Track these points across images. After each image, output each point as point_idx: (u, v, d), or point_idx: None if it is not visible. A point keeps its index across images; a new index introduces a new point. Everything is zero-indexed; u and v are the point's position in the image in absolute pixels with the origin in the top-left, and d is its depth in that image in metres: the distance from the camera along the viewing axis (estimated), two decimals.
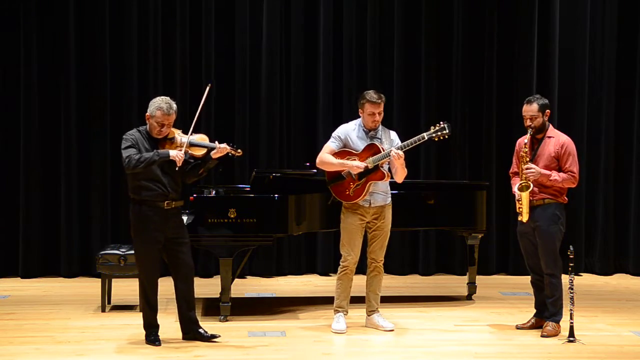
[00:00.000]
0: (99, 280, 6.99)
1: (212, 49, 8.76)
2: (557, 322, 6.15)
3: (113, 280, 7.05)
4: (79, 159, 8.63)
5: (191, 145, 5.78)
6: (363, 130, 6.25)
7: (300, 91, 8.97)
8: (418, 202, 7.25)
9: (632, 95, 9.22)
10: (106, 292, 6.92)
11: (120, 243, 7.49)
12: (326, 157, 6.23)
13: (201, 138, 5.92)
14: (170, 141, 5.79)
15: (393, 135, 6.32)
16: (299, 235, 7.94)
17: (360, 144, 6.20)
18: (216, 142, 5.86)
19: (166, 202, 5.73)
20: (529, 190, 6.05)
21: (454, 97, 9.06)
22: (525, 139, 6.16)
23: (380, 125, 6.27)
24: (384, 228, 6.28)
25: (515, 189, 6.16)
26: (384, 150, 6.12)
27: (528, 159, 6.12)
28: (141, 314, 5.93)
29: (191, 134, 5.80)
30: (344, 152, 6.24)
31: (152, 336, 5.84)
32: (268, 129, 8.83)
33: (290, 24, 8.93)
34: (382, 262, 6.36)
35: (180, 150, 5.69)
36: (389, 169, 6.24)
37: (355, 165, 6.11)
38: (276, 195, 6.59)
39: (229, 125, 8.76)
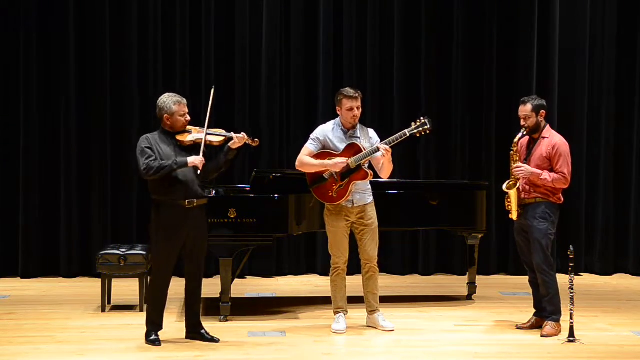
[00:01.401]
0: (99, 280, 6.98)
1: (212, 49, 8.75)
2: (557, 321, 6.16)
3: (113, 280, 7.04)
4: (79, 159, 8.63)
5: (208, 134, 5.82)
6: (341, 129, 6.23)
7: (300, 91, 8.97)
8: (418, 202, 7.24)
9: (632, 95, 9.22)
10: (106, 292, 6.92)
11: (120, 243, 7.49)
12: (306, 159, 6.19)
13: (217, 130, 5.95)
14: (187, 134, 5.82)
15: (372, 133, 6.29)
16: (299, 235, 7.93)
17: (339, 145, 6.17)
18: (232, 132, 5.89)
19: (187, 200, 5.72)
20: (516, 187, 6.12)
21: (454, 97, 9.06)
22: (517, 138, 6.23)
23: (358, 124, 6.25)
24: (371, 226, 6.24)
25: (503, 187, 6.20)
26: (364, 149, 6.10)
27: (518, 158, 6.20)
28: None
29: (207, 128, 5.83)
30: (323, 153, 6.20)
31: (153, 336, 5.83)
32: (268, 129, 8.83)
33: (290, 24, 8.92)
34: (376, 261, 6.33)
35: (199, 147, 5.69)
36: (369, 167, 6.22)
37: (338, 162, 6.08)
38: (276, 195, 6.58)
39: (229, 125, 8.70)
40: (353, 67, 8.97)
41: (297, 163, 6.24)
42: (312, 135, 6.30)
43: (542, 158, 6.16)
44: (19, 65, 8.55)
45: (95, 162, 8.66)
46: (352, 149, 6.12)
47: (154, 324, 5.85)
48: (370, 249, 6.27)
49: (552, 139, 6.21)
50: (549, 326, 6.13)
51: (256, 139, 5.97)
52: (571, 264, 5.98)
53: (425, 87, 9.03)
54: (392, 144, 6.06)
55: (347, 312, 6.36)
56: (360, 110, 6.19)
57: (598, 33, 9.17)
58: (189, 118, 5.85)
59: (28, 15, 8.52)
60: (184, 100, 5.84)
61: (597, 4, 9.15)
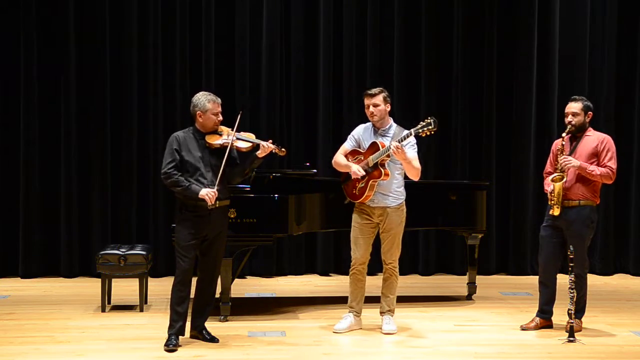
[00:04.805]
0: (99, 280, 6.98)
1: (212, 49, 8.75)
2: (579, 318, 6.25)
3: (113, 280, 7.04)
4: (79, 158, 8.63)
5: (237, 139, 5.86)
6: (373, 128, 6.25)
7: (300, 91, 8.97)
8: (418, 202, 7.21)
9: (632, 95, 9.22)
10: (106, 292, 6.91)
11: (120, 243, 7.49)
12: (337, 158, 6.28)
13: (248, 135, 5.99)
14: (218, 136, 5.86)
15: (405, 133, 6.19)
16: (299, 235, 7.93)
17: (368, 143, 6.21)
18: (261, 141, 5.90)
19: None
20: (562, 181, 6.08)
21: (453, 97, 9.06)
22: (562, 136, 6.20)
23: (395, 124, 6.24)
24: (390, 231, 6.21)
25: (549, 179, 6.18)
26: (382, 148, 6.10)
27: (564, 152, 6.17)
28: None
29: (236, 131, 5.87)
30: (354, 151, 6.27)
31: (171, 344, 5.70)
32: (268, 129, 8.83)
33: (290, 24, 8.93)
34: (393, 265, 6.31)
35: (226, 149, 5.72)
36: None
37: (354, 170, 6.10)
38: (276, 195, 6.59)
39: (229, 125, 8.73)
40: (353, 67, 8.97)
41: (333, 160, 6.33)
42: (350, 134, 6.35)
43: (590, 155, 6.13)
44: (19, 65, 8.54)
45: (95, 162, 8.66)
46: (373, 148, 6.14)
47: (174, 327, 5.75)
48: (388, 252, 6.27)
49: (599, 135, 6.23)
50: (575, 324, 6.12)
51: (283, 149, 5.97)
52: (571, 264, 5.99)
53: (425, 87, 9.03)
54: (401, 142, 6.02)
55: (358, 313, 6.34)
56: (379, 107, 6.14)
57: (598, 33, 9.17)
58: (221, 118, 5.89)
59: (28, 15, 8.52)
60: (219, 100, 5.89)
61: (597, 4, 9.15)
